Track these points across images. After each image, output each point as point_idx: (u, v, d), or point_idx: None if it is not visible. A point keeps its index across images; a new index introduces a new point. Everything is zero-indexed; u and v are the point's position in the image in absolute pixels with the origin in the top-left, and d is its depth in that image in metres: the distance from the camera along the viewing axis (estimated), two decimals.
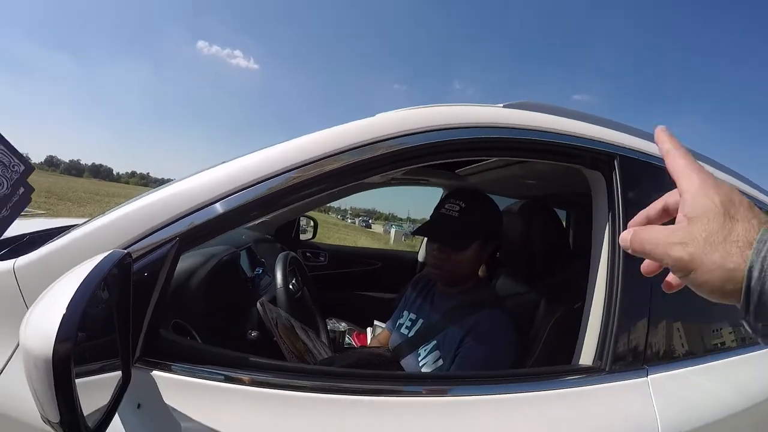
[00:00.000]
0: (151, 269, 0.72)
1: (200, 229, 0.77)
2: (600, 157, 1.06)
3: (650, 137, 1.17)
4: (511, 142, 1.00)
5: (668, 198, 0.43)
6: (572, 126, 1.05)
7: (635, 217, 0.46)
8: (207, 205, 0.78)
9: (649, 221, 0.44)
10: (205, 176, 0.82)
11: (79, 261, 0.61)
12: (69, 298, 0.50)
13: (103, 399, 0.62)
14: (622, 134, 1.12)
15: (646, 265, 0.43)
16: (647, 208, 0.45)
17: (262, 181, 0.80)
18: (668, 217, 0.43)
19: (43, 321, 0.49)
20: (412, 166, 0.93)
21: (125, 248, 0.72)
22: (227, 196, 0.79)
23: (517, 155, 1.10)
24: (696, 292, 0.36)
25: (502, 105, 1.04)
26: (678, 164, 0.40)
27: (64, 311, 0.49)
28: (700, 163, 0.39)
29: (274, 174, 0.81)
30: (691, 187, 0.37)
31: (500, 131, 0.97)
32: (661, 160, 1.05)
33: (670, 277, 0.43)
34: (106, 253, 0.61)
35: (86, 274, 0.54)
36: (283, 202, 0.84)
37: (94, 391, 0.60)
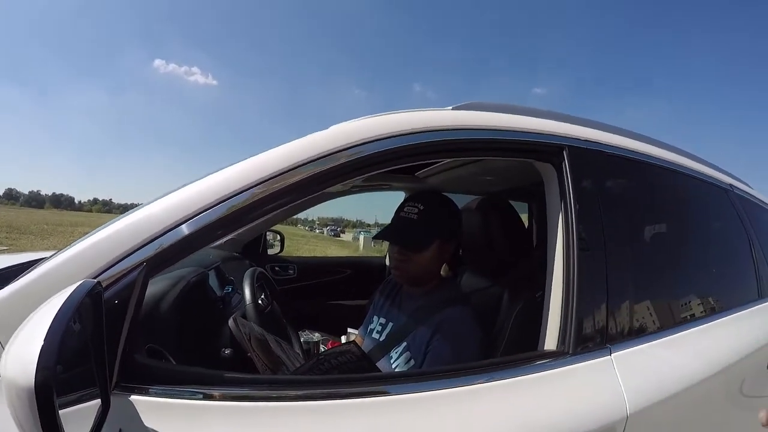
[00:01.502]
0: (121, 296, 0.73)
1: (167, 253, 0.78)
2: (549, 149, 1.10)
3: (599, 126, 1.23)
4: (462, 143, 1.03)
5: None
6: (520, 122, 1.09)
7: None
8: (172, 228, 0.78)
9: None
10: (169, 200, 0.83)
11: (50, 294, 0.62)
12: (46, 329, 0.51)
13: (85, 428, 0.62)
14: (571, 125, 1.16)
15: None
16: None
17: (226, 200, 0.82)
18: None
19: (23, 353, 0.50)
20: (371, 173, 0.95)
21: (94, 277, 0.73)
22: (191, 218, 0.80)
23: (469, 155, 1.14)
24: None
25: (451, 107, 1.08)
26: None
27: (42, 342, 0.50)
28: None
29: (236, 192, 0.83)
30: None
31: (450, 133, 1.00)
32: (609, 147, 1.10)
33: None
34: (77, 284, 0.62)
35: (60, 306, 0.55)
36: (248, 218, 0.85)
37: (75, 421, 0.60)
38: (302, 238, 34.92)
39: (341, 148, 0.90)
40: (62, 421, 0.52)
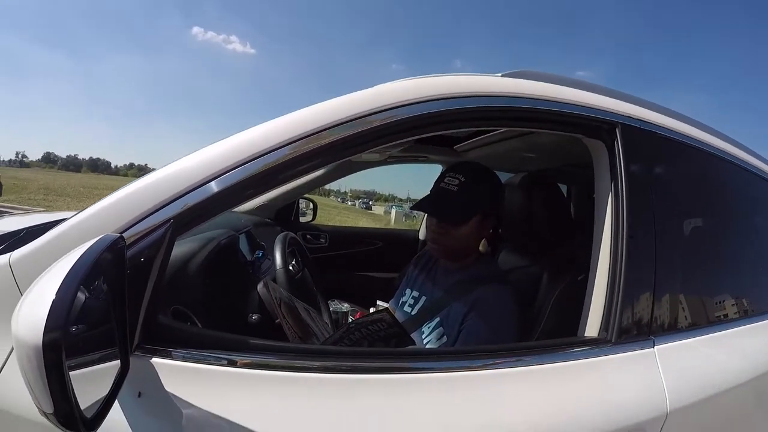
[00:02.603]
0: (145, 254, 0.70)
1: (195, 211, 0.75)
2: (601, 125, 1.04)
3: (653, 107, 1.16)
4: (511, 111, 0.98)
5: None
6: (572, 94, 1.03)
7: None
8: (200, 185, 0.76)
9: None
10: (198, 156, 0.79)
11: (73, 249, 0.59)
12: (58, 285, 0.48)
13: (104, 390, 0.60)
14: (624, 103, 1.10)
15: None
16: None
17: (257, 158, 0.78)
18: None
19: (33, 310, 0.47)
20: (411, 138, 0.91)
21: (119, 234, 0.70)
22: (221, 175, 0.76)
23: (516, 125, 1.08)
24: None
25: (500, 74, 1.02)
26: None
27: (53, 298, 0.47)
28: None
29: (268, 149, 0.79)
30: None
31: (500, 100, 0.95)
32: (664, 129, 1.03)
33: None
34: (97, 239, 0.60)
35: (76, 260, 0.52)
36: (279, 179, 0.82)
37: (93, 381, 0.59)
38: (334, 209, 35.24)
39: (383, 108, 0.85)
40: (78, 383, 0.50)
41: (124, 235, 0.70)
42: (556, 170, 1.97)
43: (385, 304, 1.56)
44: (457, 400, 0.77)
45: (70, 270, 0.50)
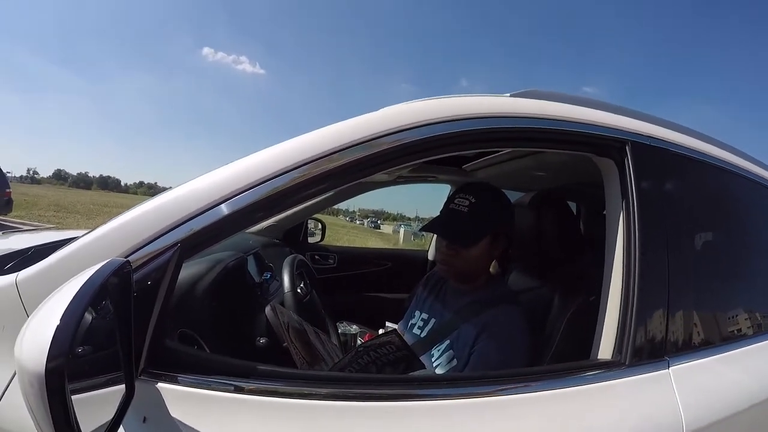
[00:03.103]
0: (152, 278, 0.70)
1: (203, 234, 0.75)
2: (610, 143, 1.03)
3: (663, 123, 1.15)
4: (520, 132, 0.97)
5: None
6: (581, 113, 1.02)
7: None
8: (209, 209, 0.75)
9: None
10: (207, 179, 0.79)
11: (79, 272, 0.58)
12: (63, 309, 0.48)
13: (108, 415, 0.59)
14: (633, 120, 1.09)
15: None
16: None
17: (266, 181, 0.78)
18: None
19: (37, 335, 0.47)
20: (420, 160, 0.91)
21: (126, 257, 0.70)
22: (230, 198, 0.76)
23: (525, 145, 1.08)
24: None
25: (509, 94, 1.02)
26: None
27: (57, 324, 0.46)
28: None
29: (276, 173, 0.79)
30: None
31: (508, 121, 0.95)
32: (674, 145, 1.00)
33: None
34: (103, 263, 0.59)
35: (81, 285, 0.52)
36: (287, 202, 0.81)
37: (97, 406, 0.58)
38: (342, 228, 35.24)
39: (391, 131, 0.85)
40: (82, 408, 0.49)
41: (130, 258, 0.69)
42: (565, 188, 1.96)
43: (394, 326, 1.54)
44: (465, 428, 0.75)
45: (75, 294, 0.50)
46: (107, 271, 0.57)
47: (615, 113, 1.08)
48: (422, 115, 0.88)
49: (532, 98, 1.01)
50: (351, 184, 0.88)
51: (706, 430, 0.88)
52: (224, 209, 0.76)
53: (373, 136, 0.84)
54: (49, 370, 0.44)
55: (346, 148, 0.82)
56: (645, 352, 0.91)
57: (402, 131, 0.85)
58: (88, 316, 0.53)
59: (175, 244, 0.72)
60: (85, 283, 0.52)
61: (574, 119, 1.00)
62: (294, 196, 0.81)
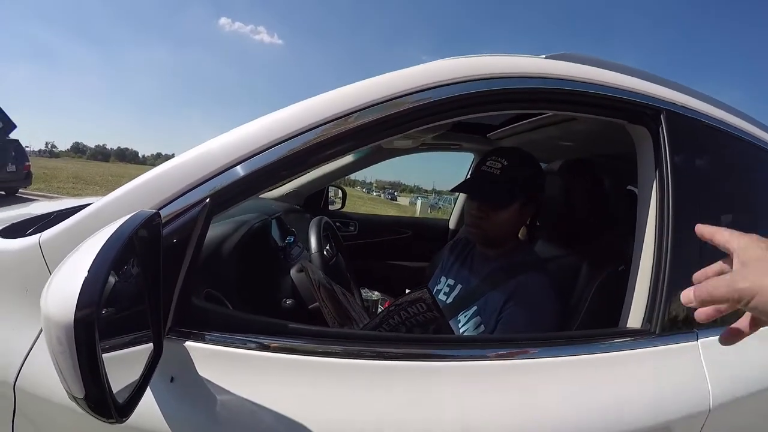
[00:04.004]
0: (181, 233, 0.68)
1: (231, 189, 0.72)
2: (645, 111, 1.00)
3: (698, 95, 1.12)
4: (554, 94, 0.95)
5: (722, 264, 0.53)
6: (616, 78, 0.99)
7: (696, 277, 0.55)
8: (237, 164, 0.73)
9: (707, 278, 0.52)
10: (233, 135, 0.76)
11: None
12: (91, 261, 0.45)
13: (135, 374, 0.58)
14: (669, 90, 1.06)
15: (702, 312, 0.52)
16: (703, 270, 0.55)
17: (295, 136, 0.75)
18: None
19: (64, 287, 0.44)
20: (450, 119, 0.88)
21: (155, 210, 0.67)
22: (258, 154, 0.74)
23: (559, 108, 1.04)
24: (762, 317, 0.49)
25: (543, 56, 0.98)
26: (725, 235, 0.52)
27: (85, 275, 0.44)
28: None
29: (304, 129, 0.76)
30: (741, 242, 0.49)
31: (542, 81, 0.92)
32: (708, 117, 0.99)
33: (739, 324, 0.57)
34: (132, 214, 0.57)
35: (109, 236, 0.49)
36: (314, 159, 0.79)
37: (124, 366, 0.56)
38: (359, 200, 35.23)
39: (421, 88, 0.82)
40: (109, 368, 0.47)
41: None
42: (591, 160, 1.91)
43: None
44: (492, 388, 0.75)
45: (103, 246, 0.47)
46: (136, 223, 0.54)
47: (650, 81, 1.05)
48: (454, 72, 0.85)
49: (567, 60, 0.98)
50: (380, 141, 0.87)
51: (733, 405, 0.89)
52: (253, 164, 0.73)
53: (408, 92, 0.81)
54: (78, 321, 0.42)
55: (377, 104, 0.79)
56: (675, 323, 0.91)
57: (433, 88, 0.83)
58: (115, 273, 0.50)
59: (204, 199, 0.70)
60: (113, 233, 0.50)
61: (610, 84, 0.97)
62: (323, 152, 0.78)
